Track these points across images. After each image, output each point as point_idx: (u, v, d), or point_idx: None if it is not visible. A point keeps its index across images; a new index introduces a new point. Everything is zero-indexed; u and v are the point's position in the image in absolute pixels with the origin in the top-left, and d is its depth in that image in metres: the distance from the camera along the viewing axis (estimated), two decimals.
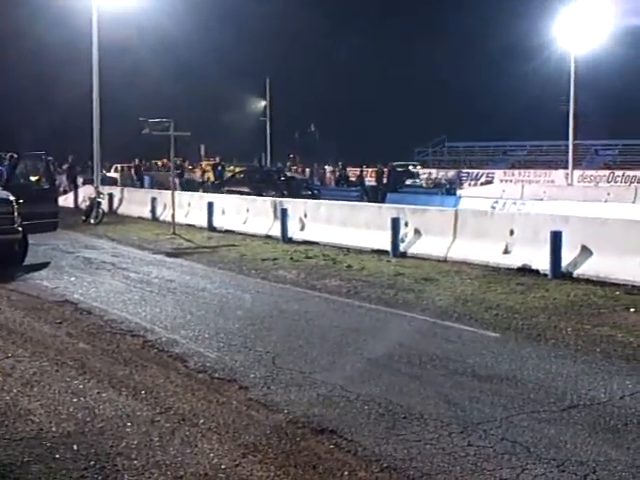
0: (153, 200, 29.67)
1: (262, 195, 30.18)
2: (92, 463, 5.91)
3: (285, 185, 37.60)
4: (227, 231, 24.04)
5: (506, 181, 55.14)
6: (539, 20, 50.23)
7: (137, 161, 48.96)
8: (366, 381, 8.04)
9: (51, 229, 18.76)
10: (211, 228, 24.87)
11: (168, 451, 6.16)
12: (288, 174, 44.88)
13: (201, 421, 6.83)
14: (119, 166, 53.45)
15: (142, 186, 42.98)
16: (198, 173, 49.92)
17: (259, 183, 36.97)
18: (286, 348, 9.42)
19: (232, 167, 54.09)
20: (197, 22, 65.79)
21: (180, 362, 8.81)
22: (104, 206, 29.45)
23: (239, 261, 17.60)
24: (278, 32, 74.73)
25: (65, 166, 44.24)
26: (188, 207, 27.32)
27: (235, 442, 6.37)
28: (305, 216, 21.67)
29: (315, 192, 38.44)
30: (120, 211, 32.38)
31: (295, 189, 36.16)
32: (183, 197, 28.42)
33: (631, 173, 52.08)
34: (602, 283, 13.80)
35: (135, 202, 32.15)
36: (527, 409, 7.15)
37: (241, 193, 31.78)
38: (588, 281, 14.08)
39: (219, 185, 40.68)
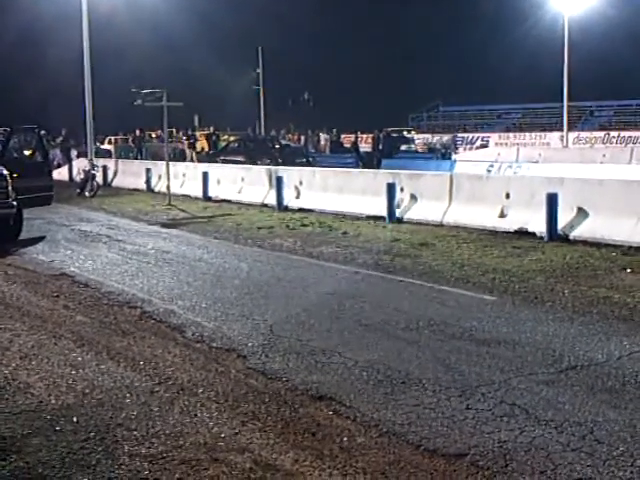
0: (148, 171, 29.54)
1: (257, 164, 30.13)
2: (92, 434, 5.92)
3: (280, 153, 37.54)
4: (223, 200, 24.01)
5: (501, 144, 55.09)
6: None
7: (138, 132, 48.37)
8: (364, 347, 8.05)
9: (46, 203, 18.73)
10: (206, 198, 24.83)
11: (168, 421, 6.18)
12: (283, 142, 44.76)
13: (200, 390, 6.85)
14: (113, 138, 53.18)
15: (141, 157, 42.75)
16: (187, 144, 49.56)
17: (254, 152, 36.90)
18: (284, 316, 9.42)
19: (226, 136, 53.88)
20: None
21: (178, 332, 8.82)
22: (99, 178, 29.34)
23: (235, 230, 17.58)
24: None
25: (59, 139, 44.05)
26: (183, 177, 27.21)
27: (234, 411, 6.39)
28: (300, 184, 21.63)
29: (310, 159, 38.39)
30: (115, 183, 32.28)
31: (290, 157, 36.09)
32: (178, 167, 28.29)
33: (626, 134, 52.09)
34: (598, 244, 13.83)
35: (130, 174, 32.01)
36: (525, 371, 7.17)
37: (236, 162, 31.73)
38: (584, 243, 14.11)
39: (214, 155, 40.56)
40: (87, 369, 7.50)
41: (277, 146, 40.16)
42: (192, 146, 45.51)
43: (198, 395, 6.74)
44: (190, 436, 5.88)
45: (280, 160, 34.05)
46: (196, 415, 6.29)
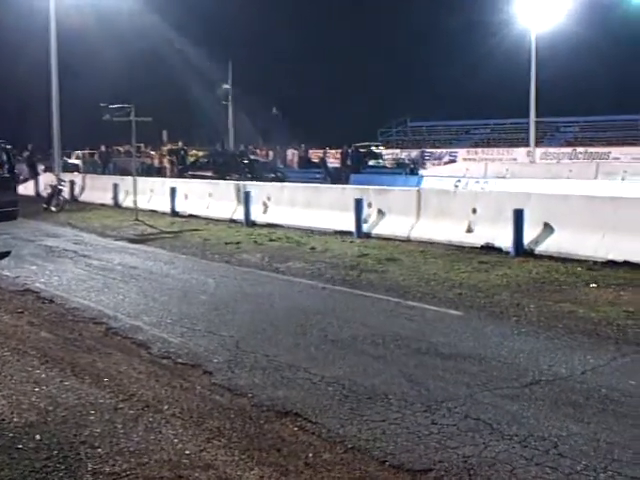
0: (115, 186, 29.42)
1: (226, 179, 30.08)
2: (55, 452, 5.86)
3: (249, 168, 37.51)
4: (190, 216, 23.95)
5: (469, 160, 55.43)
6: None
7: (103, 147, 48.19)
8: (330, 362, 8.04)
9: (11, 218, 18.56)
10: (174, 213, 24.77)
11: (132, 438, 6.12)
12: (251, 157, 44.73)
13: (165, 407, 6.81)
14: (80, 153, 52.94)
15: (108, 173, 42.57)
16: (157, 160, 49.40)
17: (223, 167, 36.84)
18: (250, 332, 9.40)
19: (194, 151, 53.78)
20: (155, 5, 65.00)
21: (143, 348, 8.76)
22: (65, 193, 29.17)
23: (202, 246, 17.54)
24: (238, 14, 74.31)
25: (25, 154, 43.73)
26: (150, 193, 27.11)
27: (199, 427, 6.35)
28: (268, 199, 21.63)
29: (279, 175, 38.40)
30: (82, 198, 32.08)
31: (259, 172, 36.10)
32: (145, 183, 28.18)
33: (592, 150, 52.62)
34: (564, 259, 13.94)
35: (97, 189, 31.84)
36: (490, 386, 7.19)
37: (205, 177, 31.69)
38: (550, 258, 14.21)
39: (182, 170, 40.46)
40: (51, 386, 7.42)
41: (246, 161, 40.12)
42: (172, 162, 45.37)
43: (163, 412, 6.70)
44: (154, 453, 5.83)
45: (249, 175, 34.04)
46: (160, 432, 6.25)
